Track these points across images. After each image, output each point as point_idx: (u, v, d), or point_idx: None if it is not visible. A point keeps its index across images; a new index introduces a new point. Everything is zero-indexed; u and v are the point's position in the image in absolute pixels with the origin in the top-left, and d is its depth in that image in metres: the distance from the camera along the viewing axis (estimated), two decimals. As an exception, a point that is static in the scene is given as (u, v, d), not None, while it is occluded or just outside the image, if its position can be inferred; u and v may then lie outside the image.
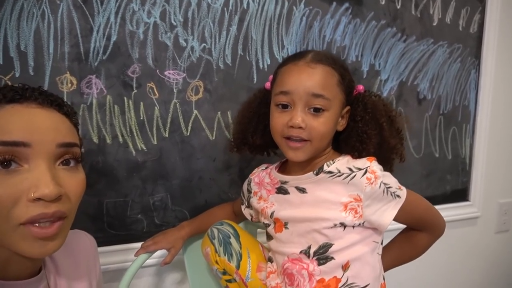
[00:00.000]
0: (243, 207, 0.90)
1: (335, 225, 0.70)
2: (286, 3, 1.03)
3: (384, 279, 0.78)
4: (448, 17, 1.24)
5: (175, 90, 0.96)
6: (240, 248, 0.79)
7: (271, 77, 0.80)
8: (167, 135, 0.97)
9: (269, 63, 1.04)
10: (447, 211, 1.34)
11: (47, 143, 0.47)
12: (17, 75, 0.82)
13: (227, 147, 0.93)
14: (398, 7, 1.16)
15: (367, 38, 1.14)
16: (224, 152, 1.02)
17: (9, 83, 0.50)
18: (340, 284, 0.70)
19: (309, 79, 0.69)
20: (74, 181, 0.50)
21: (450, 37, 1.25)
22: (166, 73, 0.95)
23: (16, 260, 0.49)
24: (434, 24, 1.22)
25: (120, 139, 0.93)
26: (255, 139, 0.83)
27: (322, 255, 0.71)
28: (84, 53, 0.88)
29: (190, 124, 0.99)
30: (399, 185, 0.72)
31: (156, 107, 0.95)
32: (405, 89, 1.22)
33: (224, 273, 0.80)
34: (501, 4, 1.30)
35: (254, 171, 0.89)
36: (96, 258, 0.69)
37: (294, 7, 1.04)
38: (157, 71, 0.94)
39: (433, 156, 1.30)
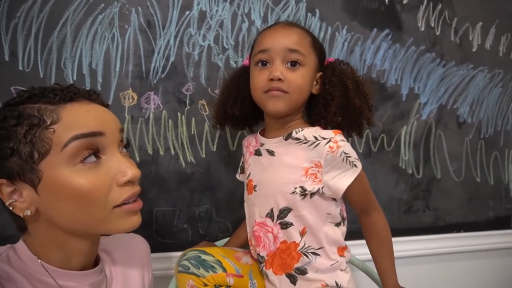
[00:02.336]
0: (237, 174, 0.96)
1: (295, 188, 0.75)
2: (330, 29, 1.09)
3: (345, 245, 0.82)
4: (488, 44, 1.26)
5: (224, 107, 1.03)
6: (214, 257, 0.83)
7: (248, 56, 0.85)
8: (214, 149, 1.03)
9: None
10: (490, 239, 1.31)
11: (115, 131, 0.53)
12: (87, 90, 0.92)
13: (211, 125, 0.98)
14: (438, 33, 1.20)
15: (406, 63, 1.18)
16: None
17: (59, 85, 0.54)
18: (298, 248, 0.78)
19: (285, 37, 0.76)
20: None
21: (490, 62, 1.26)
22: (216, 91, 1.02)
23: (80, 252, 0.55)
24: (474, 50, 1.24)
25: (172, 152, 1.00)
26: (234, 110, 0.85)
27: (283, 219, 0.78)
28: (145, 71, 0.97)
29: (236, 140, 1.05)
30: (357, 157, 0.77)
31: (206, 123, 1.02)
32: (445, 113, 1.23)
33: (218, 287, 0.83)
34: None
35: (246, 137, 0.93)
36: (149, 260, 0.73)
37: (337, 33, 1.10)
38: (209, 89, 1.02)
39: (474, 181, 1.29)
